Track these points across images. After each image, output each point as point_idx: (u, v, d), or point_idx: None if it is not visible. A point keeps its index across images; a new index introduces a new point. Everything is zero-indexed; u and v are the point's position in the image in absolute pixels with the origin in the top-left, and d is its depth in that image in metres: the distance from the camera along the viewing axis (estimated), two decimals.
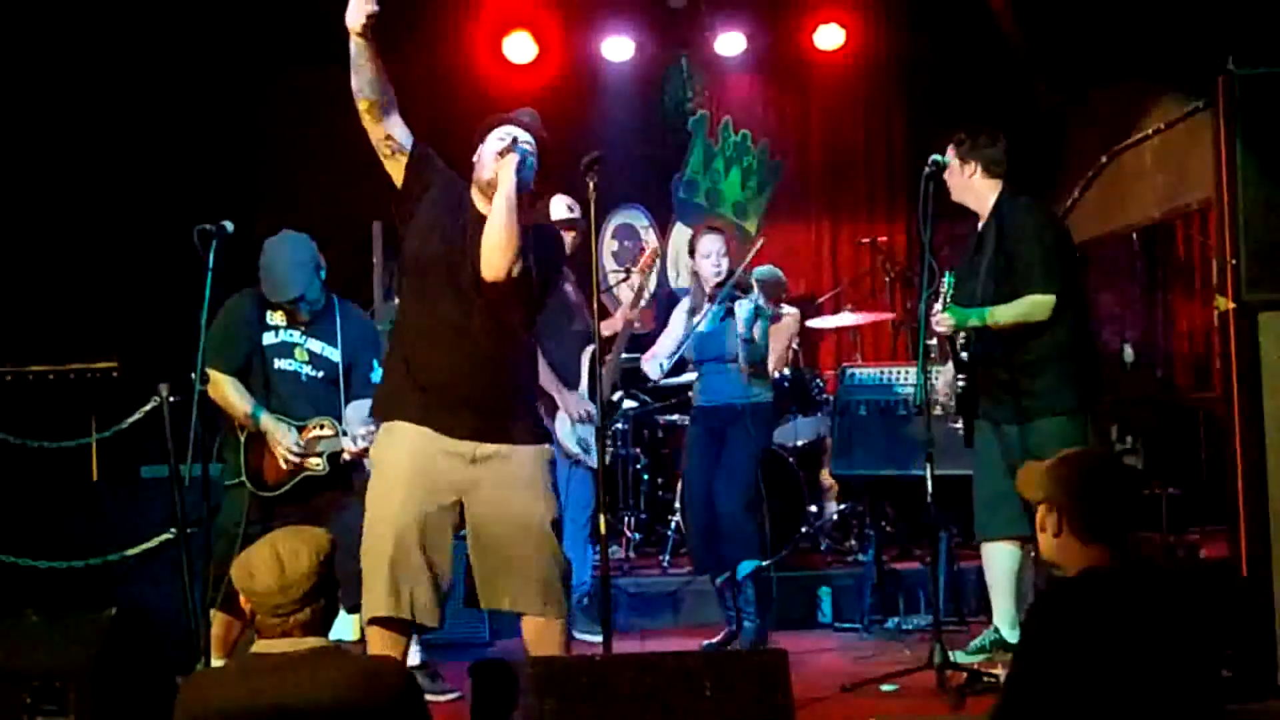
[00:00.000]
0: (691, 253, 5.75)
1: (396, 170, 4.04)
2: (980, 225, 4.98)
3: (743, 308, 5.46)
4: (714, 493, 5.58)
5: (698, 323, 5.60)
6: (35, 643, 3.92)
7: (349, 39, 3.84)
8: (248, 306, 4.82)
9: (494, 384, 3.95)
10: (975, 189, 4.96)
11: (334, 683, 2.78)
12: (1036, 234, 4.86)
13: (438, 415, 3.91)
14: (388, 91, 3.97)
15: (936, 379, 5.16)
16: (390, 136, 4.02)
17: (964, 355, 4.84)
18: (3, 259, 6.80)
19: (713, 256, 5.61)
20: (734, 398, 5.60)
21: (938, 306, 4.70)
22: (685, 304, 5.86)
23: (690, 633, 5.89)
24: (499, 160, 3.89)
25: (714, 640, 5.65)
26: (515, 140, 3.94)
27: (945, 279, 4.73)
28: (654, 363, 5.80)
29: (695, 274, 5.74)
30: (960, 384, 4.88)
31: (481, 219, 3.92)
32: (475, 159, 4.05)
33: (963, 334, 4.81)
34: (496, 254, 3.83)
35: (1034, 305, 4.74)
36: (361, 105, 3.97)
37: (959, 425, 5.09)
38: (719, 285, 5.61)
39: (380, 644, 3.91)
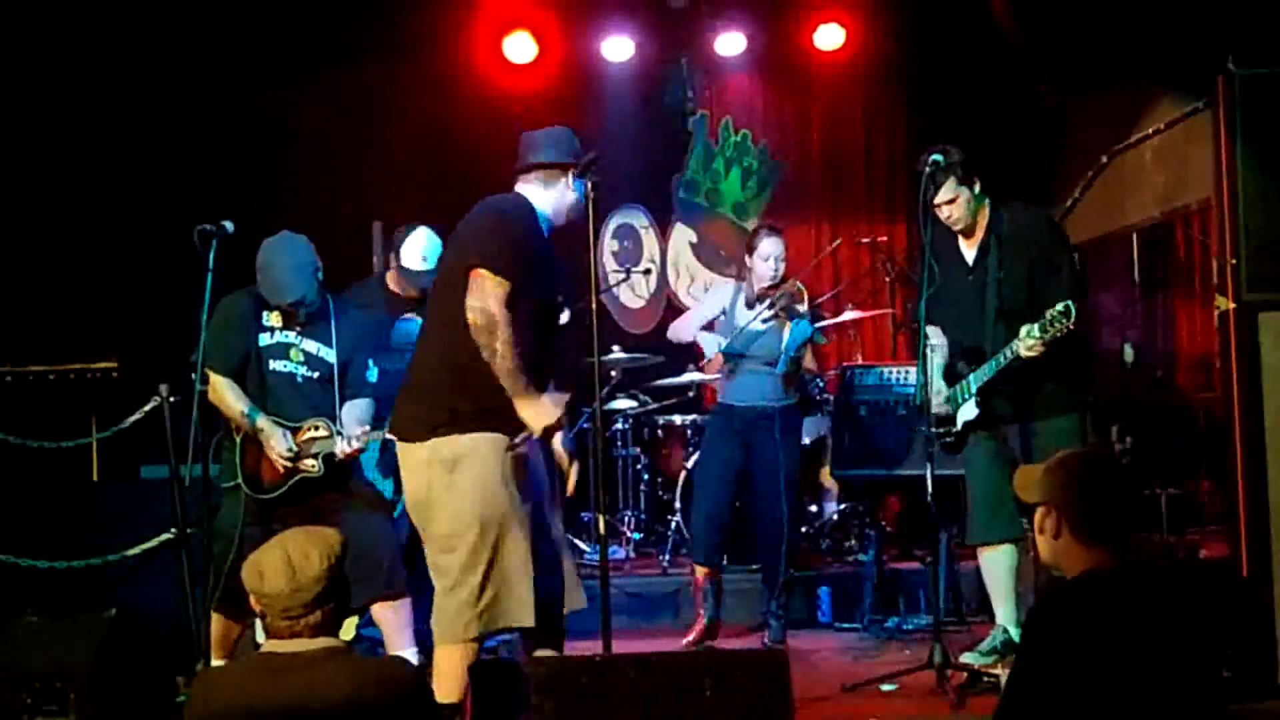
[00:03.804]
0: (750, 250, 5.78)
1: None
2: (974, 240, 4.90)
3: (799, 328, 5.62)
4: (759, 496, 5.65)
5: (751, 321, 5.65)
6: (35, 643, 3.92)
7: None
8: (243, 307, 4.82)
9: None
10: (977, 206, 4.87)
11: (345, 683, 2.78)
12: (1064, 242, 4.89)
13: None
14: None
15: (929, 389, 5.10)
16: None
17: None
18: (3, 259, 6.80)
19: (772, 260, 5.68)
20: (769, 400, 5.69)
21: (1036, 331, 4.49)
22: (728, 290, 5.91)
23: (690, 633, 5.89)
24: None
25: (690, 639, 5.64)
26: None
27: (1064, 307, 4.45)
28: (689, 329, 5.88)
29: (750, 270, 5.78)
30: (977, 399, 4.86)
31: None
32: (551, 181, 4.13)
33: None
34: None
35: (1073, 312, 4.69)
36: None
37: (942, 431, 5.02)
38: (772, 288, 5.67)
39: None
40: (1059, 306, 4.44)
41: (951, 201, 4.83)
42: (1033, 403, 4.82)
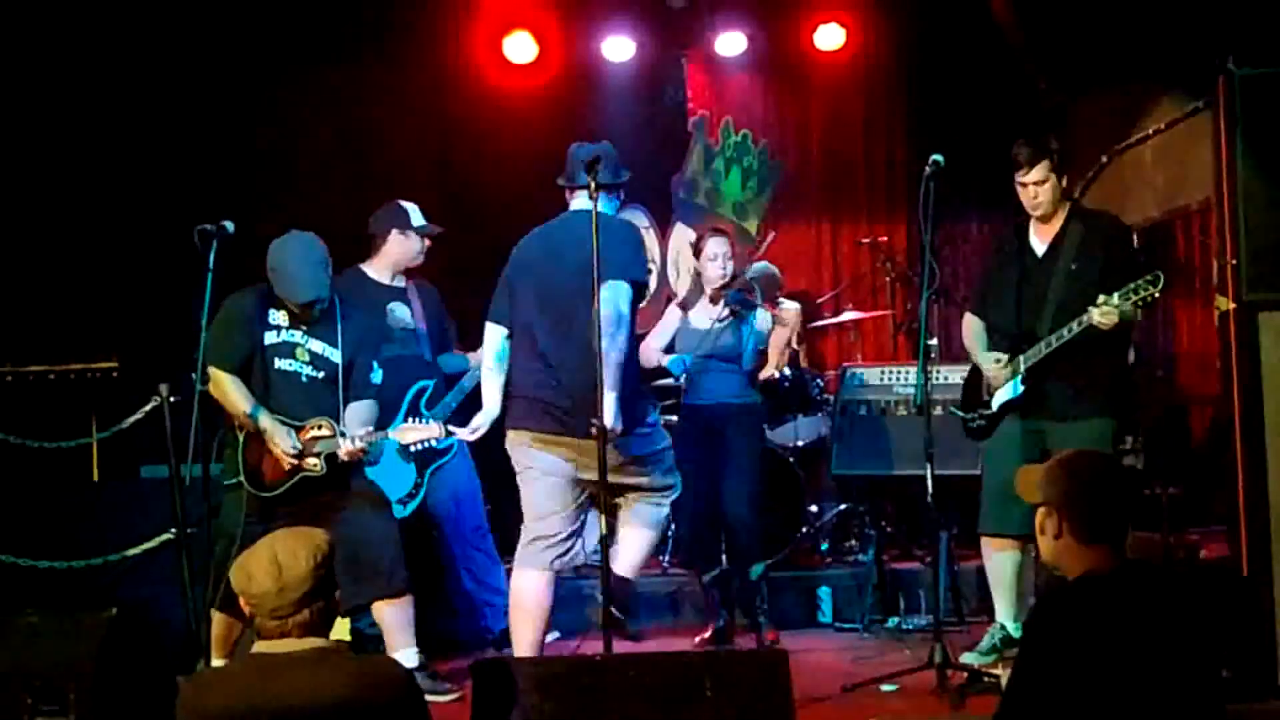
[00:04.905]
0: (697, 254, 5.89)
1: None
2: (1048, 232, 4.96)
3: (761, 319, 5.74)
4: (722, 493, 5.68)
5: (717, 323, 5.71)
6: (35, 643, 3.92)
7: None
8: (249, 305, 4.81)
9: None
10: (1059, 200, 4.94)
11: (334, 683, 2.78)
12: (1131, 241, 4.99)
13: None
14: None
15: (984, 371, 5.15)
16: None
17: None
18: (3, 259, 6.80)
19: (719, 259, 5.76)
20: (731, 397, 5.75)
21: (1115, 299, 4.59)
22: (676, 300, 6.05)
23: (690, 633, 5.90)
24: None
25: (704, 636, 5.69)
26: None
27: (1154, 276, 4.53)
28: (653, 354, 5.87)
29: (697, 273, 5.84)
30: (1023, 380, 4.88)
31: None
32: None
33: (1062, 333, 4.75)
34: None
35: (1161, 279, 4.66)
36: None
37: (973, 415, 5.08)
38: (724, 287, 5.73)
39: None
40: (1148, 275, 4.52)
41: (1042, 183, 4.88)
42: (1070, 401, 4.83)
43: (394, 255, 5.59)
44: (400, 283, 5.64)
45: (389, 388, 5.22)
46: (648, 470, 4.72)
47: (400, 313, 5.57)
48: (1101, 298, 4.61)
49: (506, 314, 4.71)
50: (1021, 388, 4.91)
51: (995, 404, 5.01)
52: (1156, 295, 4.55)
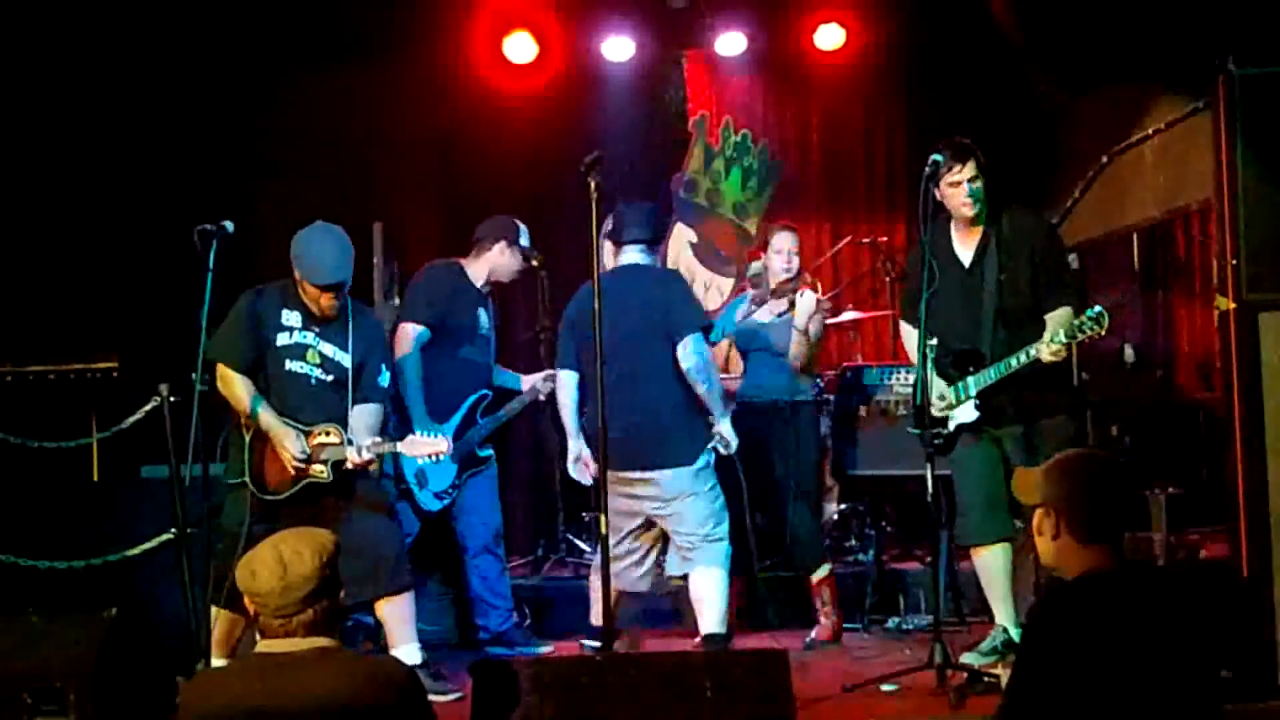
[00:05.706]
0: (763, 247, 5.91)
1: None
2: (971, 240, 4.95)
3: (805, 299, 5.67)
4: (779, 492, 5.71)
5: (776, 318, 5.81)
6: (35, 643, 3.92)
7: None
8: (262, 304, 4.80)
9: None
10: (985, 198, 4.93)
11: (337, 682, 2.78)
12: (1063, 246, 5.02)
13: None
14: None
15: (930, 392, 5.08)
16: None
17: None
18: (3, 258, 6.80)
19: (784, 253, 5.81)
20: (781, 393, 5.73)
21: (1062, 337, 4.57)
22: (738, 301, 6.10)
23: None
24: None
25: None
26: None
27: (1097, 313, 4.53)
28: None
29: (765, 267, 5.88)
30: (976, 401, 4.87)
31: None
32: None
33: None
34: None
35: (1106, 319, 4.65)
36: None
37: (933, 433, 5.03)
38: (786, 281, 5.76)
39: None
40: (1091, 312, 4.52)
41: (975, 179, 4.86)
42: (1027, 405, 4.83)
43: (493, 263, 5.74)
44: (486, 289, 5.78)
45: (455, 390, 5.50)
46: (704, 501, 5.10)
47: (484, 319, 5.72)
48: (1047, 335, 4.63)
49: (576, 360, 5.14)
50: (977, 414, 4.89)
51: (951, 426, 4.99)
52: (1103, 334, 4.55)
